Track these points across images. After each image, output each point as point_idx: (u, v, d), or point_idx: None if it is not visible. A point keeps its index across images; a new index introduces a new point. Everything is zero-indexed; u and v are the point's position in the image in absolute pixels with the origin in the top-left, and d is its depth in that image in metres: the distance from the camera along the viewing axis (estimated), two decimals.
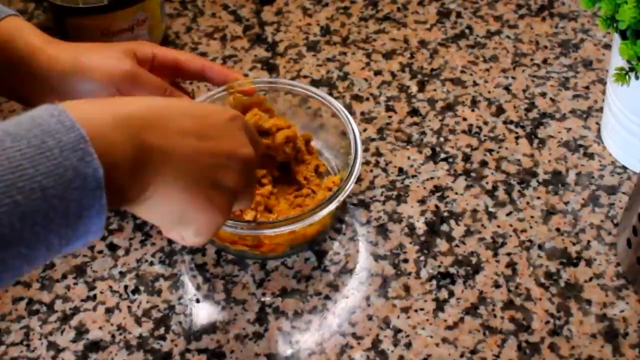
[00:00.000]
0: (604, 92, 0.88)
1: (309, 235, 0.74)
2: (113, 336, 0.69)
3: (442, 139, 0.84)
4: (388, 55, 0.93)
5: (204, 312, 0.71)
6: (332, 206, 0.70)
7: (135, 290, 0.72)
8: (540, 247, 0.75)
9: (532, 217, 0.77)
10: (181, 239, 0.58)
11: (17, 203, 0.42)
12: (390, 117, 0.87)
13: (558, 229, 0.76)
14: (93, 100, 0.50)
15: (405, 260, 0.74)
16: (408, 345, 0.68)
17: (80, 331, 0.69)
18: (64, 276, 0.73)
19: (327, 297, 0.72)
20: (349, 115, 0.76)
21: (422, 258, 0.74)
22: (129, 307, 0.71)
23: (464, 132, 0.85)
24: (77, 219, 0.45)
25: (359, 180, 0.80)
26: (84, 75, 0.67)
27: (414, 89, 0.90)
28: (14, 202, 0.41)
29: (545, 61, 0.93)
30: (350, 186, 0.71)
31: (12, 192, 0.42)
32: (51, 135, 0.44)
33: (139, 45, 0.71)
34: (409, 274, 0.73)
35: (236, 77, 0.76)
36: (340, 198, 0.71)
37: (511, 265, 0.74)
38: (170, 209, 0.53)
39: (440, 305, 0.71)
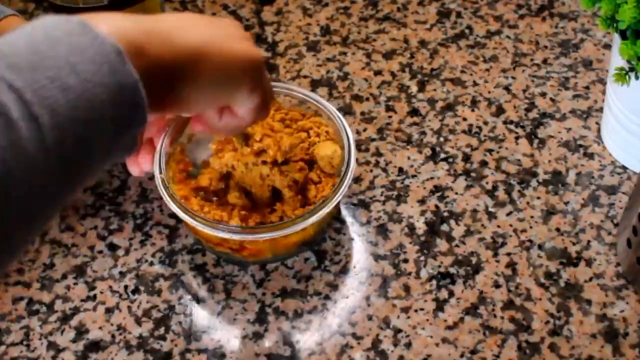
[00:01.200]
0: (604, 92, 0.88)
1: (291, 244, 0.73)
2: (113, 336, 0.69)
3: (442, 139, 0.84)
4: (388, 55, 0.93)
5: (204, 312, 0.71)
6: (314, 219, 0.69)
7: (135, 290, 0.72)
8: (540, 247, 0.75)
9: (532, 217, 0.77)
10: (237, 120, 0.58)
11: (75, 92, 0.41)
12: (390, 117, 0.87)
13: (558, 229, 0.76)
14: (114, 14, 0.50)
15: (405, 260, 0.74)
16: (408, 345, 0.68)
17: (80, 331, 0.69)
18: (64, 276, 0.73)
19: (327, 297, 0.72)
20: (344, 122, 0.75)
21: (422, 258, 0.74)
22: (129, 307, 0.71)
23: (464, 132, 0.85)
24: (126, 122, 0.44)
25: (359, 180, 0.80)
26: None
27: (414, 89, 0.90)
28: (62, 84, 0.41)
29: (545, 61, 0.93)
30: (339, 197, 0.70)
31: (66, 71, 0.41)
32: (84, 51, 0.43)
33: None
34: (409, 274, 0.73)
35: None
36: (325, 210, 0.69)
37: (511, 265, 0.74)
38: (213, 80, 0.53)
39: (440, 305, 0.71)
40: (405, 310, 0.71)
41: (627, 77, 0.72)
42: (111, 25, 0.45)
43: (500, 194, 0.79)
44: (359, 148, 0.83)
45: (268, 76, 0.60)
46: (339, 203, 0.73)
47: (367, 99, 0.89)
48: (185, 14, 0.56)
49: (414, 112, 0.87)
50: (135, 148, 0.48)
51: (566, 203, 0.79)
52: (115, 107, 0.43)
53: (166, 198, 0.69)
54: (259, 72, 0.56)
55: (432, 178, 0.81)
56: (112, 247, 0.75)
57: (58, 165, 0.41)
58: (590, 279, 0.73)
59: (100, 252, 0.75)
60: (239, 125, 0.60)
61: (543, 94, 0.89)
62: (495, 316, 0.70)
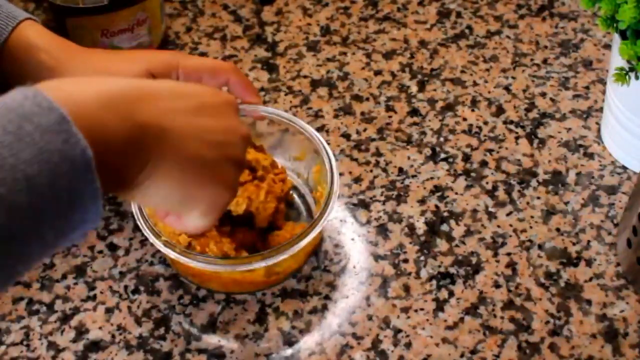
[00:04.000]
0: (604, 92, 0.88)
1: (257, 281, 0.70)
2: (113, 336, 0.69)
3: (442, 139, 0.84)
4: (388, 55, 0.93)
5: (204, 312, 0.71)
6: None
7: (135, 290, 0.72)
8: (540, 247, 0.75)
9: (532, 217, 0.77)
10: (181, 225, 0.55)
11: (0, 197, 0.38)
12: (390, 117, 0.87)
13: (558, 229, 0.76)
14: (75, 79, 0.47)
15: (405, 260, 0.74)
16: (408, 345, 0.68)
17: (80, 331, 0.69)
18: (64, 276, 0.73)
19: (327, 297, 0.72)
20: (329, 151, 0.73)
21: (422, 258, 0.74)
22: (129, 307, 0.71)
23: (464, 132, 0.85)
24: (70, 207, 0.41)
25: (359, 180, 0.80)
26: None
27: (414, 89, 0.90)
28: None
29: (545, 61, 0.93)
30: (308, 239, 0.67)
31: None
32: (28, 119, 0.40)
33: (163, 68, 0.67)
34: (409, 274, 0.73)
35: (251, 102, 0.73)
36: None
37: (511, 265, 0.74)
38: (171, 189, 0.50)
39: (440, 305, 0.71)
40: (405, 310, 0.71)
41: (627, 77, 0.72)
42: (64, 91, 0.43)
43: (500, 194, 0.79)
44: (358, 148, 0.83)
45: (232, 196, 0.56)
46: (320, 234, 0.70)
47: (367, 99, 0.89)
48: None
49: (414, 112, 0.87)
50: (97, 223, 0.44)
51: (566, 203, 0.79)
52: (65, 176, 0.40)
53: (137, 214, 0.68)
54: (223, 203, 0.54)
55: (432, 178, 0.81)
56: (112, 247, 0.75)
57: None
58: (590, 279, 0.73)
59: (100, 252, 0.75)
60: (181, 229, 0.58)
61: (543, 94, 0.89)
62: (495, 316, 0.70)
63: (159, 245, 0.66)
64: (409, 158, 0.83)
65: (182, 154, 0.50)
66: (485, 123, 0.86)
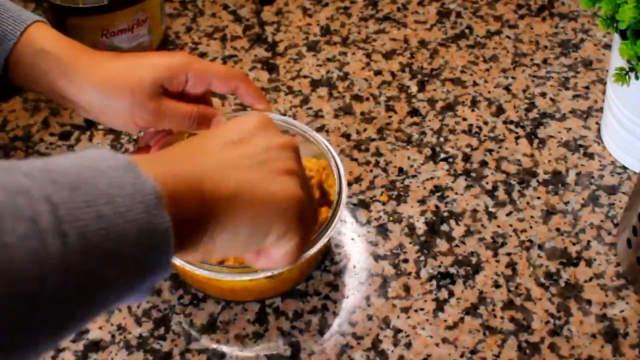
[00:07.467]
0: (604, 92, 0.88)
1: (256, 290, 0.70)
2: (113, 336, 0.69)
3: (442, 139, 0.84)
4: (388, 55, 0.93)
5: (204, 312, 0.71)
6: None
7: None
8: (540, 247, 0.75)
9: (532, 217, 0.77)
10: (273, 261, 0.53)
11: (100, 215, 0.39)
12: (390, 117, 0.87)
13: (558, 229, 0.76)
14: (159, 158, 0.48)
15: (405, 260, 0.74)
16: (408, 345, 0.68)
17: (80, 331, 0.69)
18: None
19: (327, 297, 0.72)
20: (339, 162, 0.72)
21: (422, 258, 0.74)
22: (129, 307, 0.71)
23: (464, 132, 0.85)
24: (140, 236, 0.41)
25: (359, 180, 0.80)
26: (110, 107, 0.66)
27: (414, 89, 0.90)
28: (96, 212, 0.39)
29: (545, 61, 0.93)
30: (315, 249, 0.66)
31: (103, 200, 0.40)
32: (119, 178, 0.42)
33: (172, 72, 0.67)
34: (409, 274, 0.73)
35: (261, 108, 0.72)
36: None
37: (511, 265, 0.74)
38: (242, 227, 0.49)
39: (440, 305, 0.71)
40: (405, 310, 0.71)
41: (627, 77, 0.72)
42: (152, 171, 0.44)
43: (500, 194, 0.79)
44: (358, 148, 0.83)
45: (312, 215, 0.54)
46: (327, 243, 0.70)
47: (367, 99, 0.89)
48: (231, 147, 0.51)
49: (414, 112, 0.87)
50: (146, 297, 0.45)
51: (566, 203, 0.79)
52: (142, 249, 0.41)
53: None
54: (294, 211, 0.51)
55: (432, 178, 0.81)
56: None
57: (70, 291, 0.39)
58: (590, 279, 0.73)
59: None
60: (276, 267, 0.57)
61: (543, 94, 0.89)
62: (495, 316, 0.70)
63: None
64: (409, 158, 0.83)
65: (234, 187, 0.49)
66: (485, 123, 0.86)
